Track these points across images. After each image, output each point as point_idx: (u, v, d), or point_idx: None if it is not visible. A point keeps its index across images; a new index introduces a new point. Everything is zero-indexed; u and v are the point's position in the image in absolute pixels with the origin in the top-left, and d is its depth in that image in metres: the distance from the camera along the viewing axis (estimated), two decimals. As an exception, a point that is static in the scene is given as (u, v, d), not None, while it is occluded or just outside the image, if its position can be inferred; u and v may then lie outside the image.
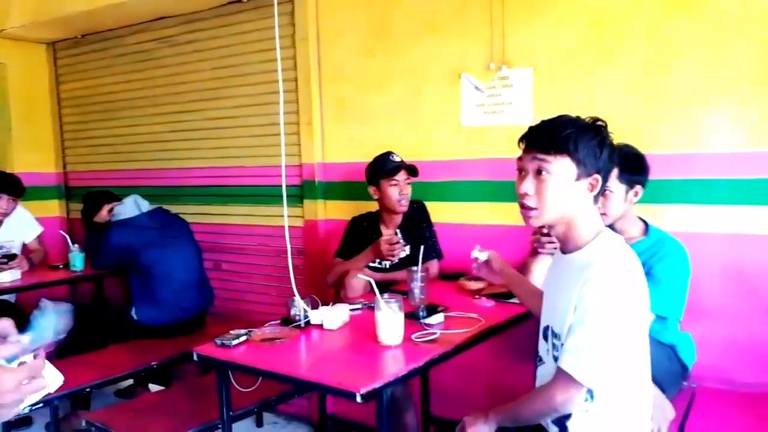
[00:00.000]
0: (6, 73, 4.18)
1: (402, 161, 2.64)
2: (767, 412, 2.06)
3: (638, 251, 1.99)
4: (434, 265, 2.69)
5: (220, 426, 2.11)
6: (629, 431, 1.50)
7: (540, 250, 2.19)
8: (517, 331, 2.20)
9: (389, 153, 2.66)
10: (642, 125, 2.38)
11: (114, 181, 3.96)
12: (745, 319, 2.26)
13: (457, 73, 2.74)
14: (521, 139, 1.52)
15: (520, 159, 1.52)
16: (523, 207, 1.50)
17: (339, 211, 3.17)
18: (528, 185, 1.46)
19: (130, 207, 3.22)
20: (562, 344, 1.47)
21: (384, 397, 1.56)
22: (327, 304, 2.14)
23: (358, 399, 1.50)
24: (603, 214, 1.95)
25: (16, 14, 3.79)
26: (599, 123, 1.47)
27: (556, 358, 1.49)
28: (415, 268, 2.22)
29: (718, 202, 2.28)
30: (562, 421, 1.50)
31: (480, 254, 2.00)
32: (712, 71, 2.26)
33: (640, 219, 2.16)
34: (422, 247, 2.27)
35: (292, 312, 2.08)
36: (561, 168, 1.42)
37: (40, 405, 2.45)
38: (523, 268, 2.22)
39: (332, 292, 2.73)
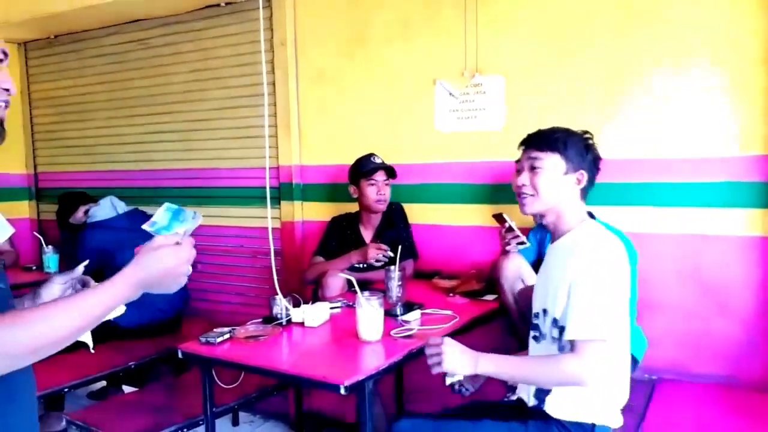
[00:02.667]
0: (-26, 73, 4.13)
1: (382, 162, 2.73)
2: (720, 401, 2.20)
3: None
4: (410, 265, 2.78)
5: (201, 422, 2.16)
6: (609, 402, 1.63)
7: (508, 248, 2.28)
8: (488, 328, 2.30)
9: (371, 154, 2.75)
10: (604, 131, 2.51)
11: (87, 183, 3.94)
12: (700, 314, 2.41)
13: (432, 79, 2.84)
14: (521, 144, 1.75)
15: (517, 160, 1.76)
16: (519, 196, 1.72)
17: (316, 213, 3.23)
18: (524, 178, 1.69)
19: (107, 208, 3.23)
20: (559, 325, 1.59)
21: (366, 389, 1.64)
22: (307, 303, 2.21)
23: (342, 391, 1.57)
24: None
25: (-14, 14, 3.76)
26: (587, 134, 1.73)
27: (553, 339, 1.62)
28: (392, 267, 2.31)
29: (673, 204, 2.43)
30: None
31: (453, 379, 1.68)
32: (670, 83, 2.40)
33: (588, 214, 2.28)
34: (399, 247, 2.36)
35: (274, 310, 2.14)
36: (551, 163, 1.66)
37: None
38: (495, 267, 2.31)
39: (309, 290, 2.80)
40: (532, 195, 1.68)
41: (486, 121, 2.72)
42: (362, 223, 2.81)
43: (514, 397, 1.80)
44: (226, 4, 3.34)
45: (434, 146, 2.88)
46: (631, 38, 2.45)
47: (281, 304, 2.12)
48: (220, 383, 2.12)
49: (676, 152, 2.42)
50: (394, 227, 2.78)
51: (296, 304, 2.17)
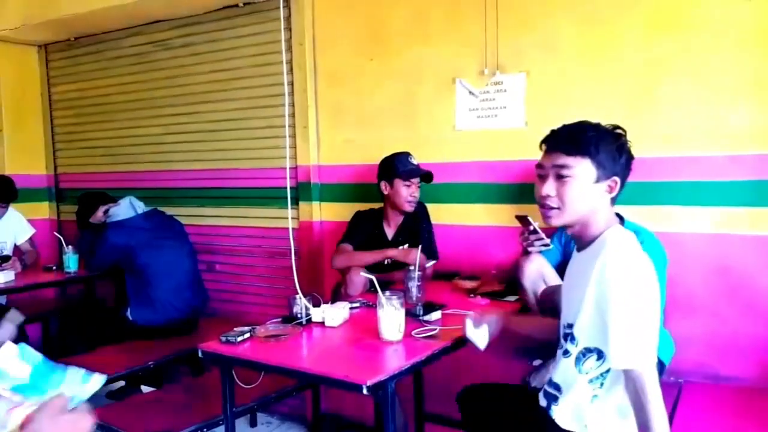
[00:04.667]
0: (-3, 75, 4.19)
1: (418, 165, 2.71)
2: (748, 404, 2.15)
3: None
4: (430, 265, 2.75)
5: (221, 422, 2.15)
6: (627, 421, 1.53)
7: (530, 249, 2.25)
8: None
9: (407, 154, 2.72)
10: (628, 128, 2.45)
11: (107, 183, 3.96)
12: (727, 315, 2.35)
13: (452, 78, 2.81)
14: (543, 142, 1.55)
15: (540, 163, 1.55)
16: (543, 207, 1.53)
17: (334, 213, 3.22)
18: (550, 187, 1.50)
19: (126, 208, 3.24)
20: (571, 334, 1.52)
21: (389, 390, 1.62)
22: (327, 302, 2.20)
23: (365, 391, 1.55)
24: None
25: (7, 16, 3.80)
26: (619, 130, 1.52)
27: (566, 352, 1.55)
28: (412, 267, 2.29)
29: (702, 203, 2.37)
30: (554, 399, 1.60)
31: (477, 339, 1.78)
32: (697, 79, 2.35)
33: (616, 214, 2.23)
34: (419, 247, 2.33)
35: (294, 310, 2.12)
36: (582, 170, 1.46)
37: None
38: (516, 268, 2.28)
39: (329, 290, 2.78)
40: (557, 208, 1.49)
41: (507, 120, 2.69)
42: (386, 219, 2.79)
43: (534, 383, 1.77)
44: (245, 4, 3.34)
45: (454, 145, 2.85)
46: (656, 34, 2.40)
47: (301, 304, 2.11)
48: (240, 383, 2.10)
49: (702, 150, 2.36)
50: (417, 226, 2.76)
51: (316, 304, 2.15)
